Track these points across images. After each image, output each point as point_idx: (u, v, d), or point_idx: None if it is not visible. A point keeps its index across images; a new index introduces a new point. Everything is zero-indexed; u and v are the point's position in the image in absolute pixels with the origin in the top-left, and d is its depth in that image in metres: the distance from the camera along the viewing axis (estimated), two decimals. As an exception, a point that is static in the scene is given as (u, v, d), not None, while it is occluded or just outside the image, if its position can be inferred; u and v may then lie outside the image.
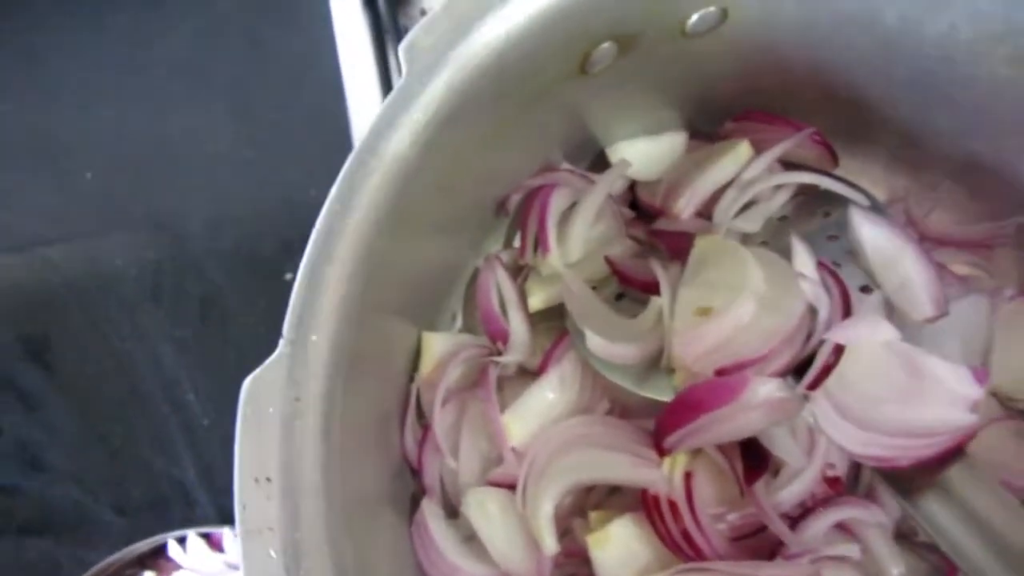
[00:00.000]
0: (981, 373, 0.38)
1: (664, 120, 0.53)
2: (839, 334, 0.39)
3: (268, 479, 0.29)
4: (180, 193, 0.75)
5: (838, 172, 0.53)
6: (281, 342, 0.31)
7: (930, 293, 0.43)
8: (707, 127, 0.54)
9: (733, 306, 0.40)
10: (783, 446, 0.42)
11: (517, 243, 0.53)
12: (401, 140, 0.33)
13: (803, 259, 0.42)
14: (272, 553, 0.28)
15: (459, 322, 0.53)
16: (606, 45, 0.41)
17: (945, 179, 0.54)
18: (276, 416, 0.30)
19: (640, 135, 0.53)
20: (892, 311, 0.45)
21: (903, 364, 0.39)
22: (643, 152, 0.53)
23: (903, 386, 0.38)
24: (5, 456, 0.71)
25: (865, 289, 0.44)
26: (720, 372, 0.39)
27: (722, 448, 0.42)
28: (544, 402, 0.47)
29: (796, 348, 0.39)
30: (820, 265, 0.43)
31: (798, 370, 0.41)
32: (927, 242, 0.54)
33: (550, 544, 0.42)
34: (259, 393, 0.30)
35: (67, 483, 0.70)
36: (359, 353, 0.37)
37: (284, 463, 0.30)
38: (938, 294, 0.43)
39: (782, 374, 0.39)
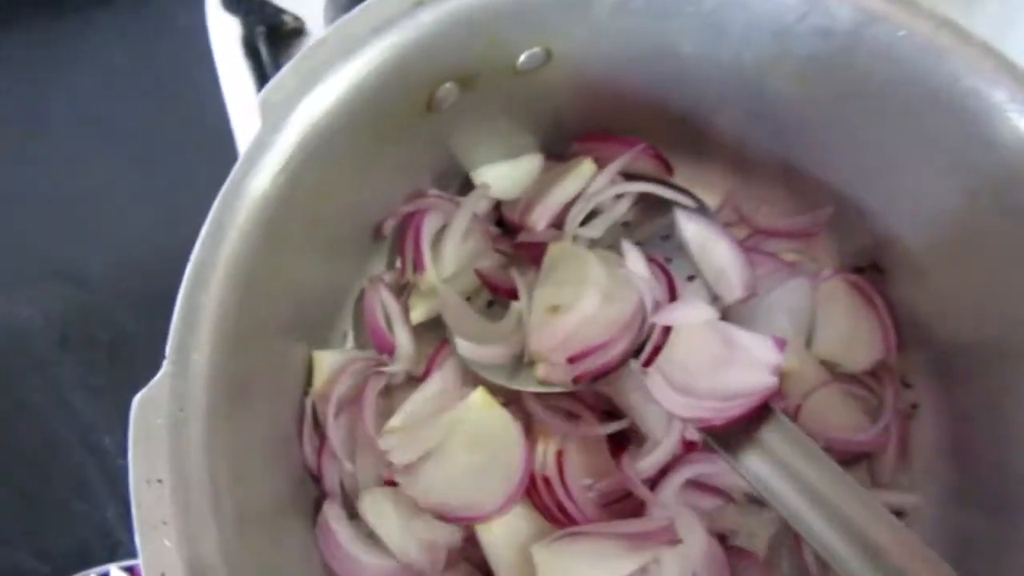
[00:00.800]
0: (780, 341, 0.45)
1: (520, 145, 0.60)
2: (665, 316, 0.46)
3: (159, 480, 0.34)
4: (85, 243, 0.77)
5: (678, 179, 0.61)
6: (164, 362, 0.36)
7: (740, 277, 0.50)
8: (559, 149, 0.61)
9: (579, 301, 0.46)
10: (651, 421, 0.49)
11: (399, 263, 0.58)
12: (262, 181, 0.39)
13: (632, 257, 0.48)
14: (167, 543, 0.33)
15: (351, 339, 0.59)
16: (448, 85, 0.48)
17: (768, 180, 0.61)
18: (163, 426, 0.35)
19: (500, 159, 0.60)
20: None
21: (719, 339, 0.46)
22: (503, 175, 0.59)
23: (718, 356, 0.45)
24: (-83, 515, 0.71)
25: (692, 279, 0.52)
26: (571, 360, 0.45)
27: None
28: (427, 403, 0.52)
29: (634, 333, 0.46)
30: (651, 260, 0.50)
31: (639, 352, 0.48)
32: (758, 235, 0.62)
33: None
34: (146, 407, 0.35)
35: (-16, 537, 0.71)
36: (246, 368, 0.41)
37: (174, 465, 0.34)
38: (747, 278, 0.51)
39: (623, 357, 0.46)
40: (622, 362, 0.47)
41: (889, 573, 0.41)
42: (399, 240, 0.57)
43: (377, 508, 0.51)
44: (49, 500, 0.72)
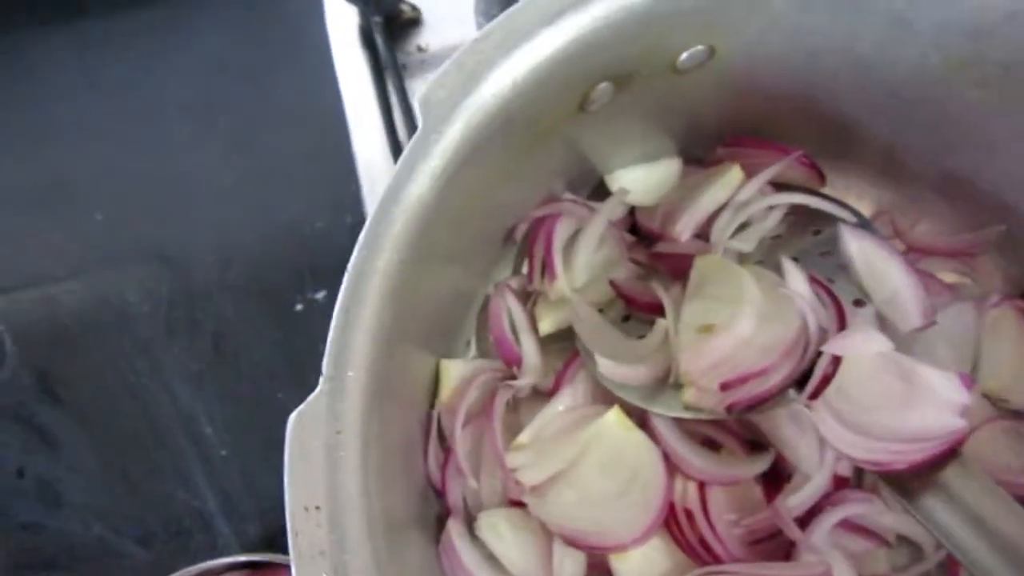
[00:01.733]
0: (967, 379, 0.41)
1: (659, 148, 0.56)
2: (835, 346, 0.42)
3: (317, 507, 0.31)
4: (189, 230, 0.78)
5: (826, 190, 0.56)
6: (321, 379, 0.34)
7: (917, 304, 0.46)
8: (700, 153, 0.57)
9: (734, 322, 0.42)
10: (801, 454, 0.45)
11: (525, 270, 0.55)
12: (421, 186, 0.36)
13: (793, 276, 0.44)
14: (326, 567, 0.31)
15: (473, 348, 0.56)
16: (603, 85, 0.44)
17: (927, 192, 0.56)
18: (320, 448, 0.32)
19: (637, 163, 0.56)
20: (884, 322, 0.48)
21: (896, 372, 0.41)
22: (641, 179, 0.56)
23: (896, 393, 0.41)
24: (27, 494, 0.72)
25: (858, 303, 0.47)
26: (724, 386, 0.42)
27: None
28: (556, 420, 0.49)
29: (795, 361, 0.42)
30: (814, 281, 0.46)
31: (800, 382, 0.44)
32: (914, 253, 0.57)
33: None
34: (303, 427, 0.33)
35: (89, 519, 0.72)
36: (391, 384, 0.39)
37: (330, 491, 0.32)
38: (925, 305, 0.46)
39: (783, 386, 0.42)
40: (781, 392, 0.43)
41: None
42: (528, 246, 0.54)
43: (494, 530, 0.48)
44: (150, 486, 0.72)
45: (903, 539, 0.50)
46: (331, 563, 0.31)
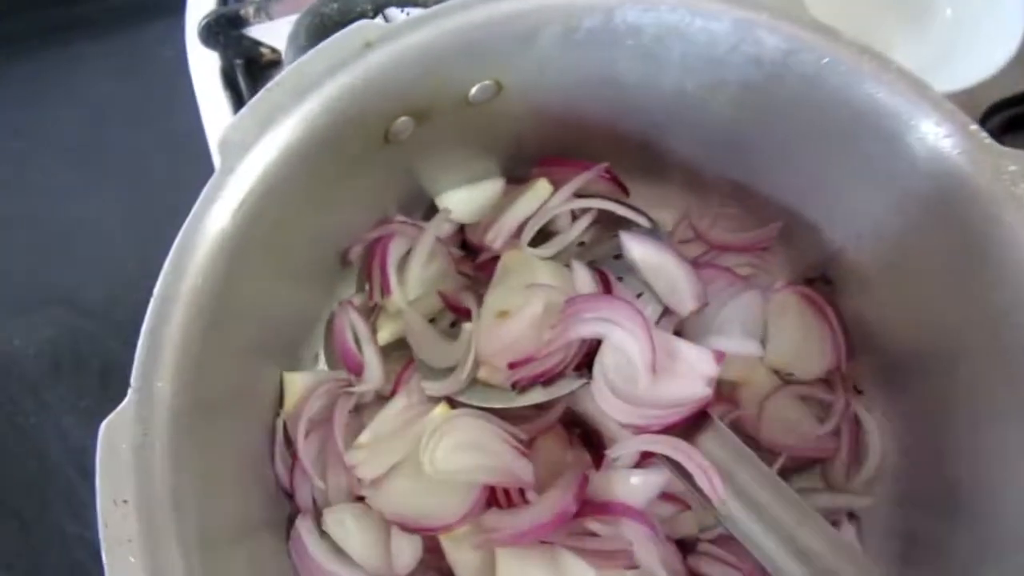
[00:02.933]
0: (719, 354, 0.48)
1: (482, 170, 0.63)
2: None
3: (125, 500, 0.36)
4: (75, 271, 0.80)
5: (636, 200, 0.64)
6: (129, 391, 0.38)
7: (690, 290, 0.53)
8: (522, 172, 0.64)
9: (526, 307, 0.49)
10: (611, 426, 0.52)
11: (367, 288, 0.61)
12: (221, 217, 0.41)
13: (579, 274, 0.51)
14: (132, 559, 0.35)
15: (322, 361, 0.61)
16: (402, 119, 0.50)
17: (721, 198, 0.64)
18: (128, 449, 0.37)
19: (462, 185, 0.62)
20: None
21: (663, 349, 0.48)
22: (466, 199, 0.62)
23: (660, 367, 0.48)
24: (-86, 542, 0.73)
25: (640, 296, 0.54)
26: (512, 365, 0.48)
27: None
28: (393, 419, 0.54)
29: (575, 348, 0.49)
30: (600, 275, 0.52)
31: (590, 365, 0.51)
32: (713, 250, 0.64)
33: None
34: (113, 432, 0.37)
35: (-20, 561, 0.73)
36: (212, 392, 0.44)
37: (138, 487, 0.37)
38: (697, 290, 0.53)
39: (562, 366, 0.48)
40: (560, 371, 0.50)
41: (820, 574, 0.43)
42: (366, 265, 0.60)
43: (340, 524, 0.53)
44: (44, 523, 0.74)
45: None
46: (138, 549, 0.36)
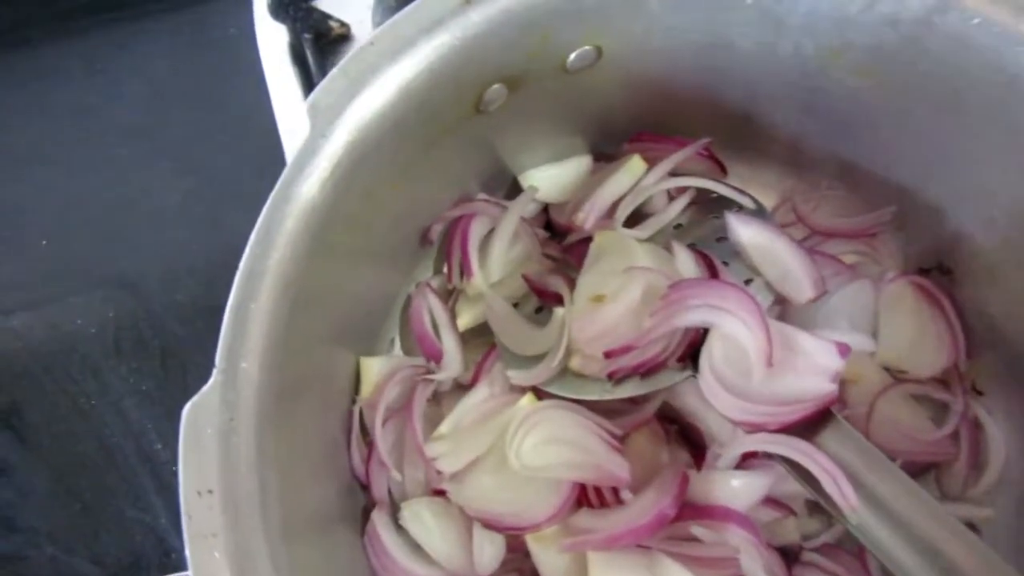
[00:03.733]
0: (844, 347, 0.43)
1: (568, 146, 0.59)
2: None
3: (210, 491, 0.33)
4: (134, 251, 0.79)
5: (734, 181, 0.59)
6: (214, 371, 0.35)
7: (807, 277, 0.48)
8: (609, 150, 0.60)
9: (623, 292, 0.45)
10: (712, 425, 0.48)
11: (445, 270, 0.57)
12: (311, 187, 0.38)
13: (681, 256, 0.47)
14: (216, 555, 0.32)
15: (397, 347, 0.58)
16: (496, 86, 0.47)
17: (827, 179, 0.59)
18: (213, 435, 0.34)
19: (548, 162, 0.58)
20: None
21: (779, 341, 0.44)
22: (551, 177, 0.58)
23: (777, 360, 0.43)
24: (-21, 523, 0.73)
25: (748, 282, 0.50)
26: (608, 354, 0.44)
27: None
28: (475, 410, 0.51)
29: (678, 337, 0.44)
30: (704, 260, 0.48)
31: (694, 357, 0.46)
32: (816, 236, 0.60)
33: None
34: (197, 416, 0.34)
35: (42, 542, 0.72)
36: (294, 377, 0.41)
37: (223, 476, 0.34)
38: (815, 277, 0.48)
39: (664, 356, 0.44)
40: (661, 362, 0.45)
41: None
42: (446, 245, 0.56)
43: (417, 519, 0.50)
44: (105, 507, 0.72)
45: (814, 508, 0.53)
46: (223, 543, 0.33)
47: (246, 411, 0.35)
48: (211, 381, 0.35)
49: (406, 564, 0.50)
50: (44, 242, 0.79)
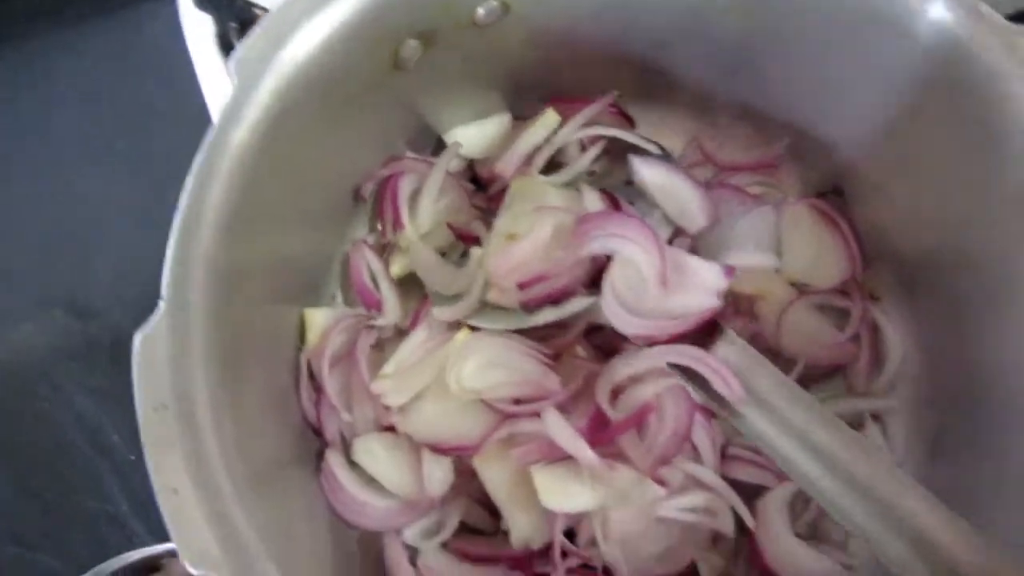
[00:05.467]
0: (729, 269, 0.48)
1: (489, 105, 0.62)
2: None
3: (165, 406, 0.36)
4: (84, 251, 0.79)
5: (643, 129, 0.64)
6: (160, 302, 0.38)
7: (700, 208, 0.53)
8: (528, 113, 0.63)
9: (535, 229, 0.49)
10: None
11: (379, 226, 0.61)
12: (243, 133, 0.41)
13: (589, 197, 0.52)
14: (176, 462, 0.35)
15: (339, 300, 0.61)
16: (411, 42, 0.50)
17: (729, 118, 0.64)
18: (165, 359, 0.37)
19: (470, 120, 0.62)
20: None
21: (671, 263, 0.48)
22: (474, 134, 0.62)
23: (669, 280, 0.48)
24: (-60, 528, 0.73)
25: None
26: (522, 286, 0.48)
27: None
28: (416, 350, 0.54)
29: (585, 266, 0.49)
30: (608, 197, 0.53)
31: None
32: (723, 172, 0.65)
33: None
34: (148, 343, 0.37)
35: (6, 543, 0.73)
36: (238, 321, 0.44)
37: (176, 392, 0.37)
38: (707, 207, 0.54)
39: (572, 286, 0.48)
40: (571, 290, 0.50)
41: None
42: (378, 203, 0.60)
43: (369, 453, 0.53)
44: (66, 502, 0.73)
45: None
46: (181, 452, 0.35)
47: (196, 338, 0.38)
48: (158, 312, 0.38)
49: (362, 496, 0.53)
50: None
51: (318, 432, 0.55)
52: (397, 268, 0.57)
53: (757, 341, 0.56)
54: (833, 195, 0.62)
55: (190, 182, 0.40)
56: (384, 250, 0.60)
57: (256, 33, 0.43)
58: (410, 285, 0.59)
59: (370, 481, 0.53)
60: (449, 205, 0.59)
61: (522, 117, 0.64)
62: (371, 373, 0.54)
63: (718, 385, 0.46)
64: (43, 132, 0.83)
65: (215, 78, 0.77)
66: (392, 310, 0.57)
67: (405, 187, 0.59)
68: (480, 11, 0.52)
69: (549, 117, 0.59)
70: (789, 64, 0.56)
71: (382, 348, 0.58)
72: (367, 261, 0.58)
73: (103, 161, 0.83)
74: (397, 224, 0.58)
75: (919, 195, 0.55)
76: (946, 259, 0.55)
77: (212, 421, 0.37)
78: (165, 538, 0.72)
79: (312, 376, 0.55)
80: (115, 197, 0.81)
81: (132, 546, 0.73)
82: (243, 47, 0.43)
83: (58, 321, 0.78)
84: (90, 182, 0.82)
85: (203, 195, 0.40)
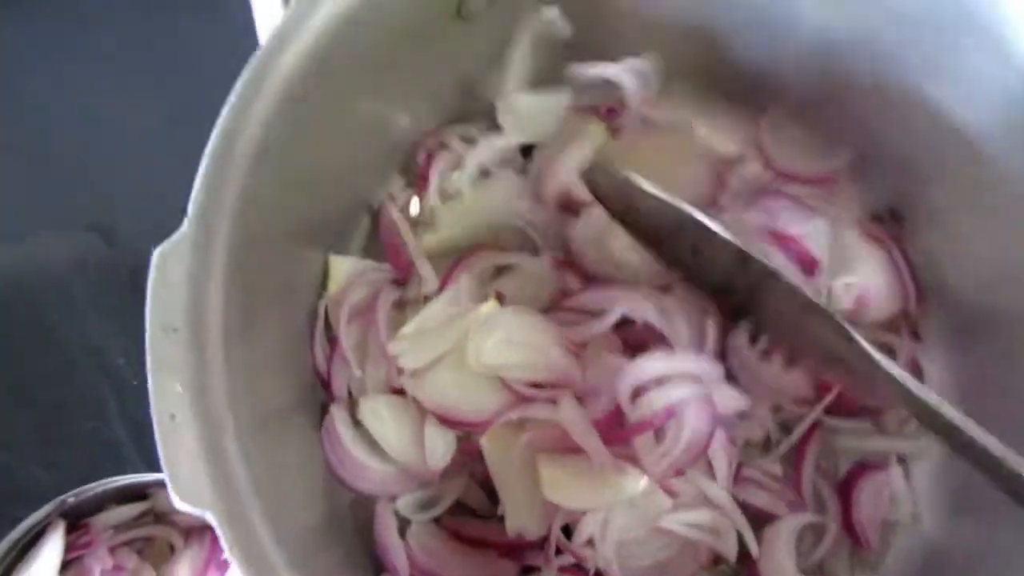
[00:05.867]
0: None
1: (545, 73, 0.59)
2: None
3: (175, 329, 0.34)
4: (110, 170, 0.78)
5: (703, 123, 0.61)
6: (185, 221, 0.36)
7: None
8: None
9: None
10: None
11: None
12: (291, 59, 0.39)
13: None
14: (178, 387, 0.33)
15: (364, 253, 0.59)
16: (479, -10, 0.48)
17: (792, 120, 0.61)
18: (182, 277, 0.35)
19: (525, 88, 0.59)
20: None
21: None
22: (526, 107, 0.58)
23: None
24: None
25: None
26: None
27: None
28: (438, 314, 0.52)
29: None
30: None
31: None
32: (780, 178, 0.62)
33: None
34: (166, 259, 0.35)
35: (-4, 450, 0.72)
36: (263, 252, 0.42)
37: (190, 317, 0.35)
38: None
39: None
40: None
41: None
42: (419, 168, 0.57)
43: (374, 414, 0.51)
44: (62, 419, 0.72)
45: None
46: (186, 378, 0.34)
47: (216, 263, 0.36)
48: (181, 229, 0.36)
49: (361, 457, 0.51)
50: (18, 172, 0.78)
51: (326, 385, 0.53)
52: (432, 241, 0.55)
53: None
54: (891, 220, 0.59)
55: (233, 99, 0.38)
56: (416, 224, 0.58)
57: (315, -40, 0.41)
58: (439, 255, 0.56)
59: (371, 443, 0.51)
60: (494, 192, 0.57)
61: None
62: (389, 332, 0.52)
63: None
64: (72, 48, 0.82)
65: (270, 19, 0.75)
66: (427, 277, 0.55)
67: (444, 164, 0.57)
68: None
69: (596, 131, 0.56)
70: (872, 65, 0.52)
71: (403, 308, 0.55)
72: (400, 221, 0.56)
73: (141, 81, 0.81)
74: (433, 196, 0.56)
75: (983, 229, 0.52)
76: (999, 305, 0.52)
77: (222, 352, 0.35)
78: (158, 469, 0.73)
79: (328, 326, 0.53)
80: (147, 117, 0.80)
81: (123, 472, 0.73)
82: (306, -33, 0.40)
83: (80, 237, 0.77)
84: (123, 103, 0.80)
85: (244, 116, 0.38)
